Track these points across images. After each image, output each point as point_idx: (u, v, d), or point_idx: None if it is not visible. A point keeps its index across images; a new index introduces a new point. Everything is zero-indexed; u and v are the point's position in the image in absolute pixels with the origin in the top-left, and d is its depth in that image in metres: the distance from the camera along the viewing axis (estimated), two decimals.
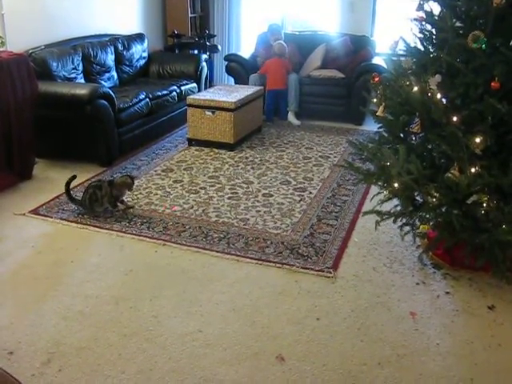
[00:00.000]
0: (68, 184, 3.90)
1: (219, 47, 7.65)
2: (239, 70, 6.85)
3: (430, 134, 2.95)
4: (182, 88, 6.19)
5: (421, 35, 3.12)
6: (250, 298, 2.95)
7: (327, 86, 6.60)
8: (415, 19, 3.12)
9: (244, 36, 8.05)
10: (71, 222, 3.79)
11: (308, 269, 3.23)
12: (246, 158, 5.22)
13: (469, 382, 2.37)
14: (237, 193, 4.34)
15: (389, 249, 3.50)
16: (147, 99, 5.48)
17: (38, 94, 4.44)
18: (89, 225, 3.74)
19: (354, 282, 3.12)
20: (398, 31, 3.31)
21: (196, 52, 7.47)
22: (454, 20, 2.91)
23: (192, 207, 4.05)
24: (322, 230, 3.74)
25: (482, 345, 2.61)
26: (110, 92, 4.88)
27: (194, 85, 6.50)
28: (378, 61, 6.44)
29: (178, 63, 6.68)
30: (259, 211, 4.00)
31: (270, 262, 3.31)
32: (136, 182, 4.45)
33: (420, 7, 3.08)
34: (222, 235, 3.62)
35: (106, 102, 4.78)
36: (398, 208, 3.26)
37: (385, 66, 6.04)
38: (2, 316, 2.75)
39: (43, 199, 4.11)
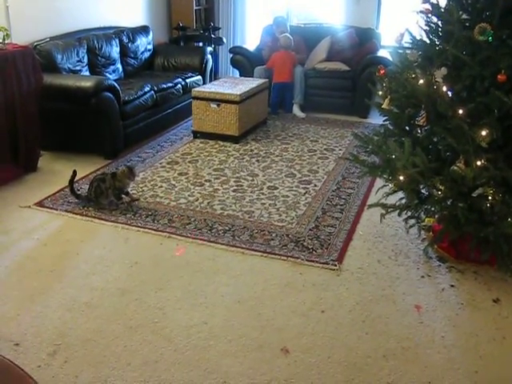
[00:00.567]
0: (71, 182, 3.91)
1: (224, 40, 7.63)
2: (244, 62, 6.84)
3: (436, 127, 2.94)
4: (187, 80, 6.18)
5: (427, 28, 3.10)
6: (255, 290, 2.96)
7: (332, 79, 6.59)
8: (421, 11, 3.09)
9: (249, 28, 8.03)
10: (76, 214, 3.80)
11: (313, 261, 3.24)
12: (251, 150, 5.22)
13: (473, 374, 2.37)
14: (242, 185, 4.35)
15: (394, 242, 3.50)
16: (152, 92, 5.48)
17: (43, 87, 4.44)
18: (94, 217, 3.75)
19: (359, 274, 3.13)
20: (404, 24, 3.29)
21: (201, 44, 7.46)
22: (461, 12, 2.89)
23: (197, 200, 4.05)
24: (326, 222, 3.74)
25: (486, 338, 2.61)
26: (115, 84, 4.88)
27: (199, 77, 6.49)
28: (383, 53, 6.42)
29: (182, 56, 6.67)
30: (264, 204, 4.00)
31: (274, 254, 3.31)
32: (141, 175, 4.47)
33: None
34: (226, 228, 3.62)
35: (110, 95, 4.78)
36: (403, 201, 3.26)
37: (390, 59, 6.03)
38: (7, 308, 2.77)
39: (48, 191, 4.12)
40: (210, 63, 6.82)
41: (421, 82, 2.93)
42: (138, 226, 3.63)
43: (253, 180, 4.47)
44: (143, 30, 6.61)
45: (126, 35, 6.19)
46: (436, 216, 3.23)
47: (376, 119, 5.55)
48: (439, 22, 3.05)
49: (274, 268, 3.17)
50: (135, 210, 3.85)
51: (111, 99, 4.79)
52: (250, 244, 3.42)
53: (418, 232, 3.47)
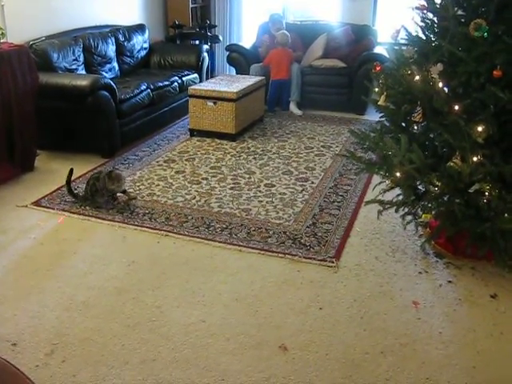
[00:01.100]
0: (68, 181, 3.91)
1: (220, 37, 7.62)
2: (240, 60, 6.83)
3: (432, 123, 2.94)
4: (184, 79, 6.17)
5: (422, 24, 3.10)
6: (253, 287, 2.96)
7: (329, 76, 6.58)
8: (417, 8, 3.10)
9: (245, 26, 8.02)
10: (73, 213, 3.79)
11: (310, 258, 3.24)
12: (248, 148, 5.21)
13: (471, 370, 2.38)
14: (239, 183, 4.34)
15: (391, 238, 3.50)
16: (148, 90, 5.47)
17: (39, 86, 4.43)
18: (91, 216, 3.75)
19: (357, 271, 3.13)
20: (400, 20, 3.29)
21: (197, 42, 7.46)
22: (456, 8, 2.89)
23: (194, 198, 4.05)
24: (324, 219, 3.74)
25: (484, 333, 2.62)
26: (112, 83, 4.87)
27: (196, 75, 6.48)
28: (379, 50, 6.41)
29: (179, 54, 6.66)
30: (261, 201, 4.00)
31: (272, 251, 3.31)
32: (138, 173, 4.47)
33: None
34: (224, 225, 3.62)
35: (107, 93, 4.77)
36: (400, 197, 3.26)
37: (386, 56, 6.03)
38: (5, 308, 2.76)
39: (45, 191, 4.11)
40: (207, 61, 6.81)
41: (417, 78, 2.93)
42: (135, 225, 3.63)
43: (250, 178, 4.46)
44: (139, 28, 6.60)
45: (122, 34, 6.18)
46: (433, 212, 3.22)
47: (373, 116, 5.54)
48: (435, 19, 3.06)
49: (272, 265, 3.17)
50: (132, 209, 3.84)
51: (107, 98, 4.77)
52: (247, 242, 3.42)
53: (415, 228, 3.47)
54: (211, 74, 7.32)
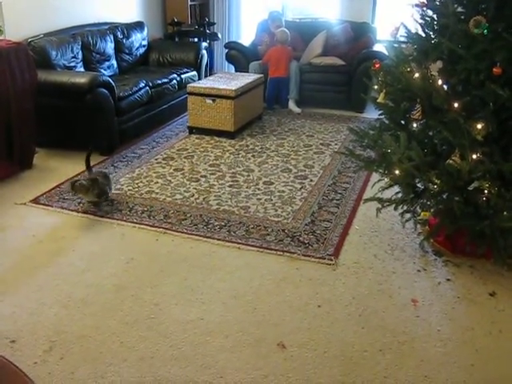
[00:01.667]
0: (88, 160, 3.91)
1: (219, 35, 7.60)
2: (239, 57, 6.82)
3: (431, 121, 2.93)
4: (182, 76, 6.16)
5: (422, 21, 3.09)
6: (251, 285, 2.95)
7: (328, 74, 6.56)
8: (416, 5, 3.09)
9: (244, 24, 8.00)
10: (72, 210, 3.78)
11: (309, 256, 3.23)
12: (247, 145, 5.21)
13: (470, 367, 2.38)
14: (237, 181, 4.34)
15: (390, 236, 3.50)
16: (147, 87, 5.46)
17: (38, 83, 4.42)
18: (89, 213, 3.74)
19: (355, 269, 3.13)
20: (399, 17, 3.28)
21: (196, 40, 7.44)
22: (456, 5, 2.89)
23: (193, 195, 4.05)
24: (322, 217, 3.73)
25: (482, 331, 2.61)
26: (110, 80, 4.86)
27: (194, 73, 6.47)
28: (378, 48, 6.40)
29: (177, 51, 6.65)
30: (260, 199, 4.00)
31: (270, 249, 3.31)
32: (136, 171, 4.46)
33: None
34: (222, 223, 3.62)
35: (105, 91, 4.76)
36: (399, 195, 3.26)
37: (386, 53, 6.02)
38: (3, 305, 2.76)
39: (44, 188, 4.11)
40: (205, 58, 6.79)
41: (416, 75, 2.93)
42: (134, 222, 3.62)
43: (248, 175, 4.46)
44: (138, 25, 6.58)
45: (120, 31, 6.16)
46: (432, 210, 3.22)
47: (372, 113, 5.54)
48: (434, 16, 3.05)
49: (270, 263, 3.17)
50: (131, 206, 3.83)
51: (106, 95, 4.77)
52: (245, 239, 3.41)
53: (414, 226, 3.46)
54: (210, 71, 7.31)
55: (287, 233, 3.51)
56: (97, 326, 2.60)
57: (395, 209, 3.31)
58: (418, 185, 3.13)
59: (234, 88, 5.31)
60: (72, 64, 5.23)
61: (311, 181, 4.36)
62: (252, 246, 3.34)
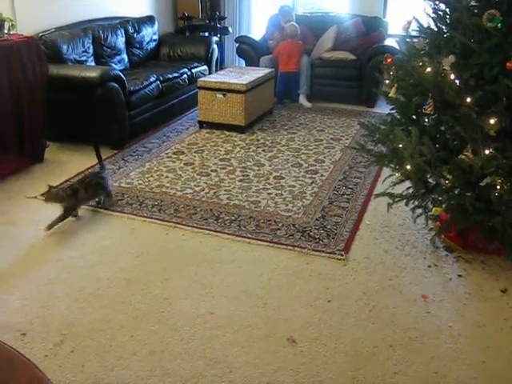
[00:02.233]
0: (98, 153, 3.88)
1: (230, 29, 7.59)
2: (250, 52, 6.81)
3: (443, 116, 2.91)
4: (193, 70, 6.16)
5: (434, 15, 3.06)
6: (261, 280, 2.95)
7: (339, 68, 6.54)
8: None
9: (255, 18, 7.98)
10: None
11: (319, 251, 3.23)
12: (258, 140, 5.20)
13: (481, 364, 2.36)
14: (248, 175, 4.33)
15: (401, 231, 3.48)
16: (158, 82, 5.46)
17: (49, 77, 4.43)
18: (100, 207, 3.75)
19: (366, 264, 3.11)
20: (411, 11, 3.25)
21: (206, 34, 7.43)
22: None
23: (203, 190, 4.05)
24: (333, 212, 3.72)
25: (494, 328, 2.60)
26: (121, 75, 4.87)
27: (205, 67, 6.47)
28: (390, 42, 6.36)
29: (188, 46, 6.65)
30: (270, 194, 3.99)
31: (281, 244, 3.30)
32: (147, 165, 4.46)
33: None
34: (233, 217, 3.62)
35: (116, 85, 4.77)
36: (410, 190, 3.24)
37: (397, 48, 5.98)
38: (14, 298, 2.77)
39: (54, 182, 4.09)
40: (216, 53, 6.79)
41: (428, 70, 2.90)
42: (144, 216, 3.63)
43: (259, 170, 4.45)
44: (149, 20, 6.59)
45: (131, 25, 6.17)
46: (443, 205, 3.20)
47: (383, 108, 5.51)
48: (447, 9, 3.02)
49: (281, 258, 3.17)
50: (141, 200, 3.83)
51: (117, 89, 4.78)
52: (256, 234, 3.41)
53: (425, 222, 3.44)
54: (220, 65, 7.30)
55: (297, 228, 3.50)
56: (107, 320, 2.61)
57: (406, 204, 3.29)
58: (430, 180, 3.11)
59: (244, 82, 5.30)
60: (83, 58, 5.25)
61: (322, 175, 4.35)
62: (262, 240, 3.34)
